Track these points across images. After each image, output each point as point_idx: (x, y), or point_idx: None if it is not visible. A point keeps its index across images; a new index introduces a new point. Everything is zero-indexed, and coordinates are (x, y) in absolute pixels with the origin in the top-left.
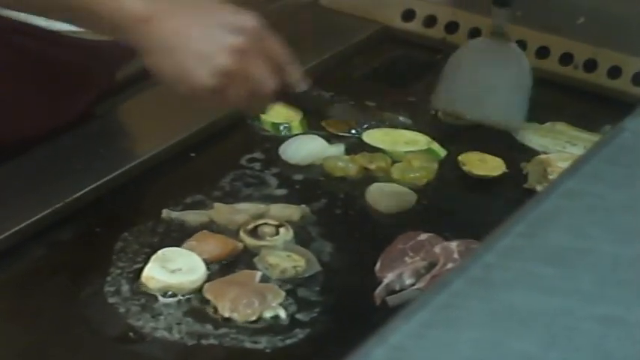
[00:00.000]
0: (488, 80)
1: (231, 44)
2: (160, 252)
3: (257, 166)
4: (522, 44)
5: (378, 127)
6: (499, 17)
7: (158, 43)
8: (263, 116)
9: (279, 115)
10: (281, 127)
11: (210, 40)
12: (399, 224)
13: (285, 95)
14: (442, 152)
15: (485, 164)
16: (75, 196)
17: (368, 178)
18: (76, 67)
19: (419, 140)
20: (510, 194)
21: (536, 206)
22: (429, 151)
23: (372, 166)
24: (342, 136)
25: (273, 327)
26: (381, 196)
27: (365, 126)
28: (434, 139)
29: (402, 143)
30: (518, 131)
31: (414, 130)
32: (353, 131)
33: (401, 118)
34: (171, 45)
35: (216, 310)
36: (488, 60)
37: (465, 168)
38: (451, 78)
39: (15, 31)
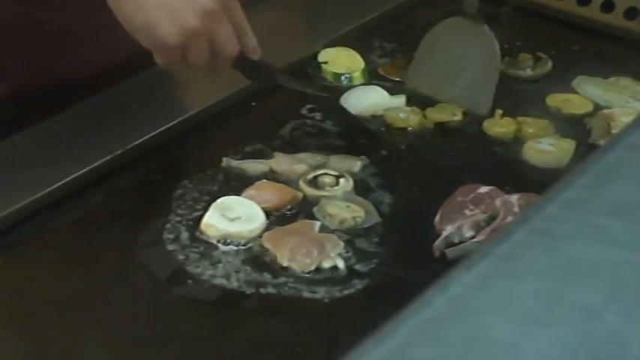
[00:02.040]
0: (457, 63)
1: (201, 4)
2: (219, 200)
3: (318, 116)
4: None
5: None
6: None
7: None
8: (324, 66)
9: (340, 65)
10: (342, 78)
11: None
12: (459, 176)
13: (240, 62)
14: None
15: (572, 104)
16: (135, 142)
17: (425, 129)
18: None
19: None
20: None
21: (599, 159)
22: None
23: (446, 118)
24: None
25: (331, 277)
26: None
27: None
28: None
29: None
30: (484, 116)
31: None
32: None
33: None
34: (142, 1)
35: (274, 259)
36: (460, 42)
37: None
38: (423, 59)
39: None
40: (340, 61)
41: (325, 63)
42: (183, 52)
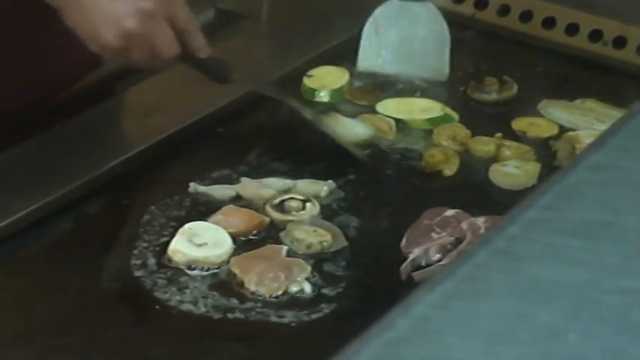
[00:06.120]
0: (409, 38)
1: (140, 8)
2: (186, 226)
3: (284, 140)
4: (552, 21)
5: (392, 97)
6: None
7: (73, 4)
8: (305, 79)
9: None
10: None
11: (121, 4)
12: (425, 200)
13: (189, 59)
14: (456, 116)
15: (538, 127)
16: (102, 169)
17: (394, 154)
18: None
19: (433, 107)
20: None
21: (561, 179)
22: (445, 117)
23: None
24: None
25: (298, 301)
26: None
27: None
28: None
29: (418, 111)
30: (445, 80)
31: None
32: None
33: (417, 82)
34: (85, 6)
35: (242, 284)
36: (406, 19)
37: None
38: (373, 39)
39: None
40: (325, 78)
41: (311, 76)
42: (127, 53)
